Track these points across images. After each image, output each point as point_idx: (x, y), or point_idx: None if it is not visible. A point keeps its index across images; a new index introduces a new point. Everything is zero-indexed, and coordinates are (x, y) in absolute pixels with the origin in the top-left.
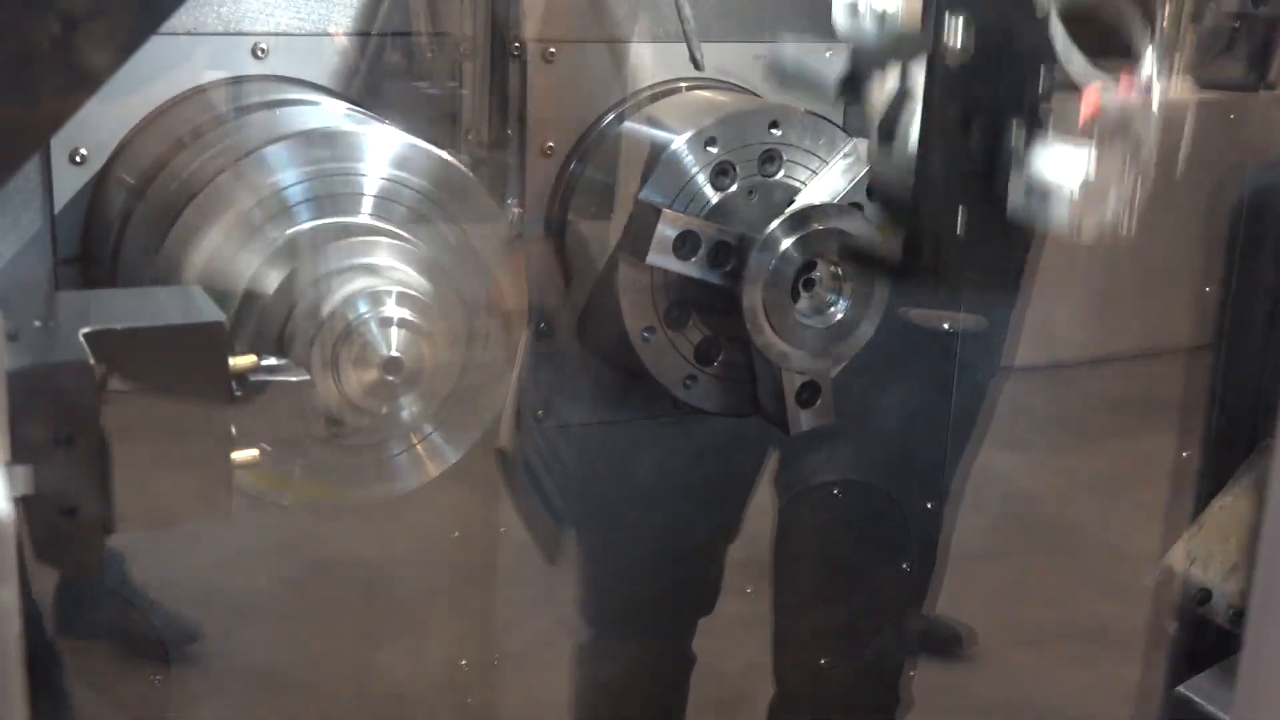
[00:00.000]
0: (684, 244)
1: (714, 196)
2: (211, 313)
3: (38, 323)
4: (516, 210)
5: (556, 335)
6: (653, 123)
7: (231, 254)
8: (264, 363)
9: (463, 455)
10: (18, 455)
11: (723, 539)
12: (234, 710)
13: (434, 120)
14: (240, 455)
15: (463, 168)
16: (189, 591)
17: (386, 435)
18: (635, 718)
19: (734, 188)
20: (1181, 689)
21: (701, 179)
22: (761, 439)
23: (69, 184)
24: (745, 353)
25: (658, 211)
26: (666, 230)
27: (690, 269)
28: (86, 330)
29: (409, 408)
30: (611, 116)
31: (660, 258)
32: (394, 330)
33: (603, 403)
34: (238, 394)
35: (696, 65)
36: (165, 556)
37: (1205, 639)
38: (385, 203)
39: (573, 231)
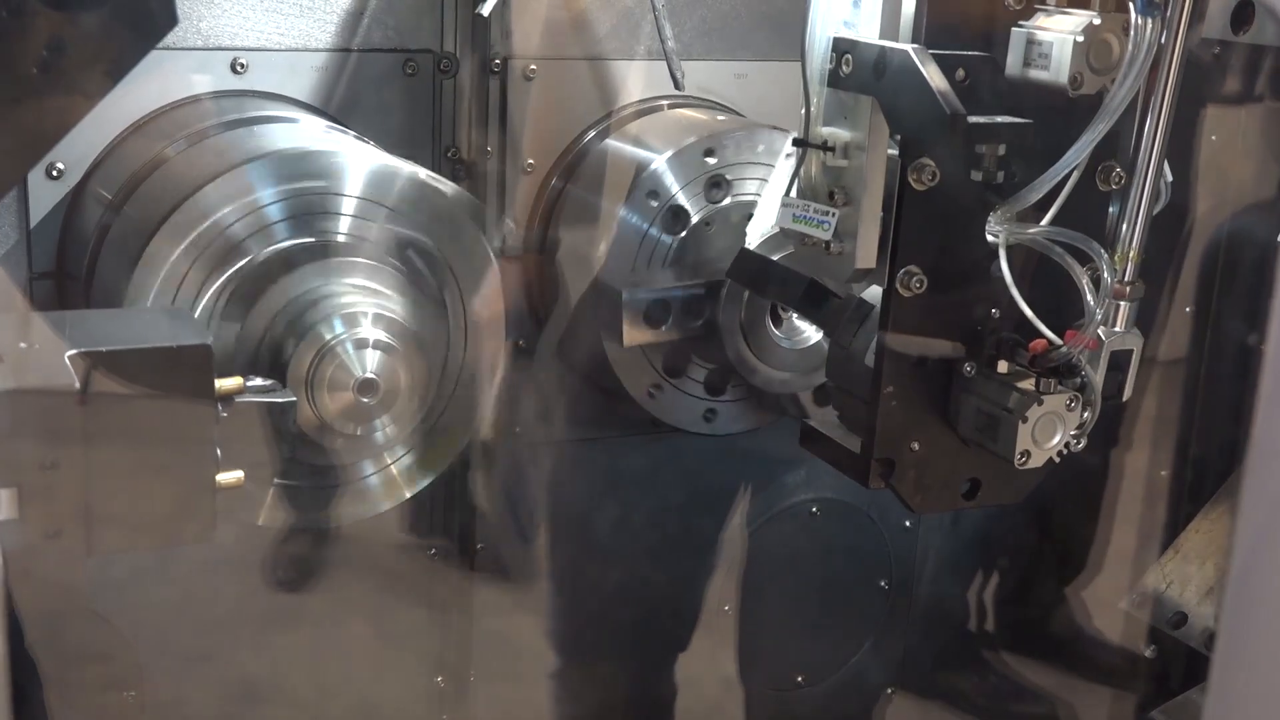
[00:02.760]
0: (655, 314)
1: (672, 242)
2: (198, 335)
3: (23, 344)
4: (511, 226)
5: (536, 352)
6: (628, 146)
7: (205, 273)
8: (250, 384)
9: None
10: (3, 477)
11: (701, 556)
12: None
13: (414, 137)
14: (225, 477)
15: (440, 187)
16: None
17: (359, 456)
18: None
19: (689, 226)
20: (1156, 713)
21: (655, 232)
22: (743, 457)
23: (46, 199)
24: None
25: (618, 294)
26: (633, 311)
27: (668, 334)
28: (73, 352)
29: (384, 428)
30: (592, 134)
31: (636, 337)
32: (369, 351)
33: (582, 420)
34: (223, 415)
35: (676, 84)
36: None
37: (1179, 663)
38: (361, 223)
39: (553, 248)
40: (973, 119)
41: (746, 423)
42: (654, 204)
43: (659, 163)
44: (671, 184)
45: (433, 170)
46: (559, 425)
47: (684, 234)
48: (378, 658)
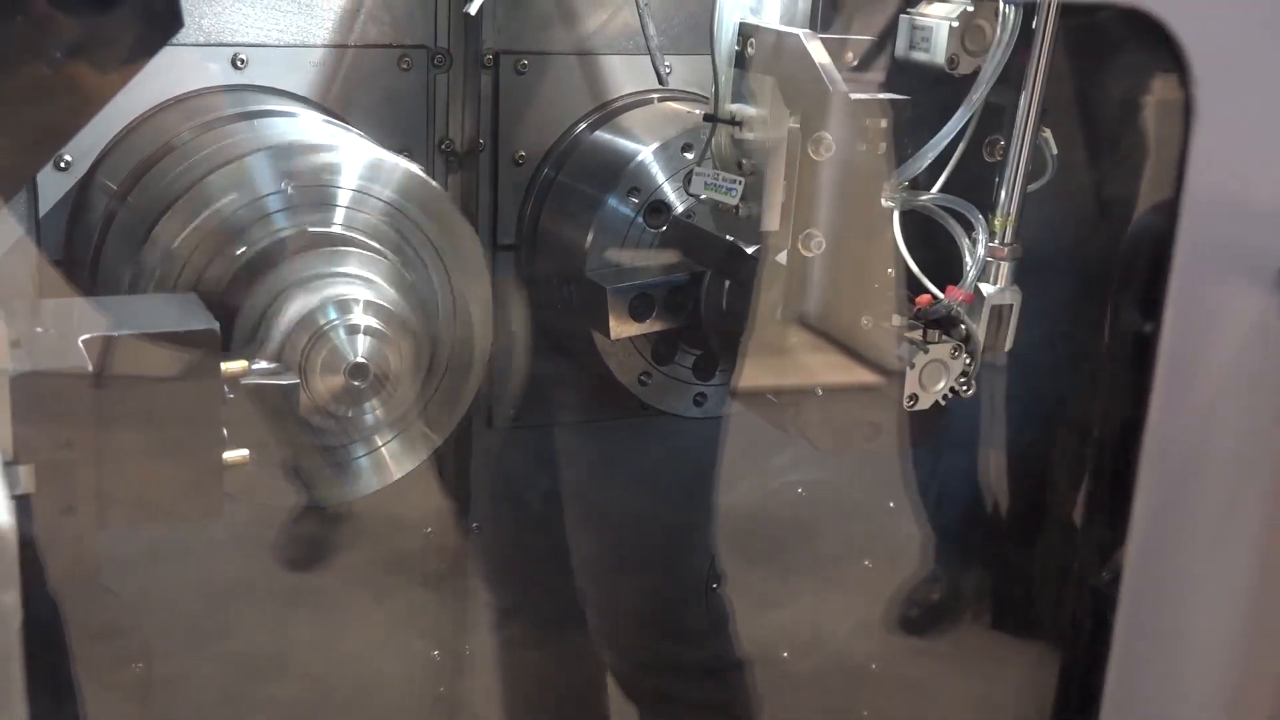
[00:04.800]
0: (640, 307)
1: (655, 238)
2: (205, 320)
3: (39, 329)
4: None
5: (529, 339)
6: (613, 138)
7: (206, 259)
8: (255, 366)
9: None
10: (20, 456)
11: (690, 535)
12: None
13: (409, 130)
14: (231, 455)
15: (431, 180)
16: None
17: (351, 438)
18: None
19: (671, 219)
20: None
21: (639, 225)
22: (730, 439)
23: (54, 189)
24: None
25: (603, 290)
26: (618, 305)
27: (653, 326)
28: (86, 337)
29: (374, 411)
30: (583, 126)
31: (622, 330)
32: (360, 337)
33: (575, 405)
34: (229, 397)
35: (660, 79)
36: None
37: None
38: (354, 214)
39: (543, 236)
40: (855, 96)
41: (734, 406)
42: (636, 200)
43: (643, 156)
44: (653, 178)
45: (427, 161)
46: (553, 410)
47: (666, 227)
48: (379, 633)
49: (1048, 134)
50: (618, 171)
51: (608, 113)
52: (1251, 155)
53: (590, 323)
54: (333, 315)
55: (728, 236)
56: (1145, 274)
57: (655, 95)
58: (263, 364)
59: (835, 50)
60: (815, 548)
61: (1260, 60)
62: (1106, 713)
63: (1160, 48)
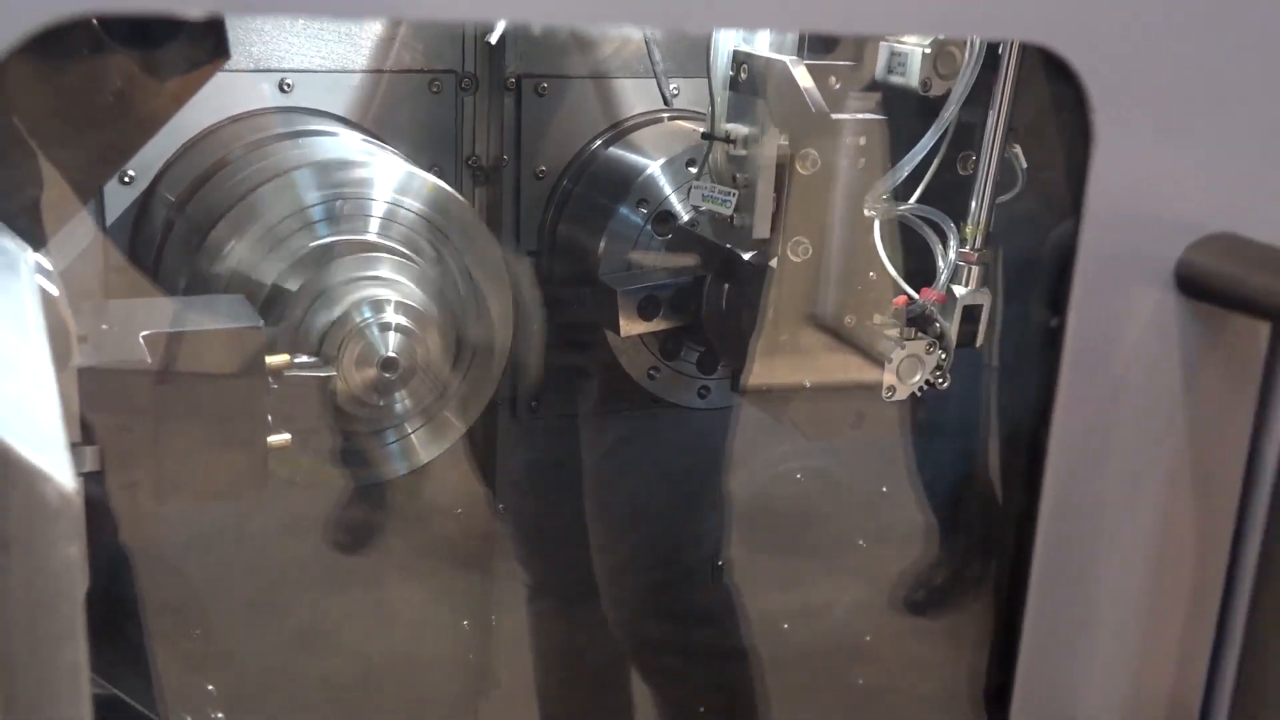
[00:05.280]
0: (648, 307)
1: (662, 245)
2: (252, 319)
3: (104, 327)
4: None
5: (544, 335)
6: (625, 154)
7: (255, 264)
8: (296, 360)
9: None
10: (87, 438)
11: (696, 517)
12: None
13: (440, 147)
14: (274, 440)
15: (456, 193)
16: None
17: (383, 425)
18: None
19: (677, 228)
20: None
21: (647, 233)
22: (732, 429)
23: (119, 201)
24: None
25: (614, 292)
26: (627, 309)
27: (659, 324)
28: (145, 334)
29: (403, 400)
30: (598, 143)
31: (631, 328)
32: (391, 334)
33: (590, 397)
34: (273, 387)
35: (665, 101)
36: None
37: None
38: (388, 224)
39: (561, 243)
40: (836, 116)
41: (737, 397)
42: (644, 210)
43: (651, 170)
44: (661, 190)
45: (456, 176)
46: (569, 402)
47: (672, 235)
48: (412, 605)
49: (1018, 149)
50: (628, 184)
51: (620, 131)
52: (1144, 173)
53: (603, 321)
54: (367, 314)
55: (726, 244)
56: (1057, 277)
57: (665, 115)
58: (303, 358)
59: (819, 75)
60: (811, 527)
61: (1149, 92)
62: (1019, 686)
63: (1065, 82)
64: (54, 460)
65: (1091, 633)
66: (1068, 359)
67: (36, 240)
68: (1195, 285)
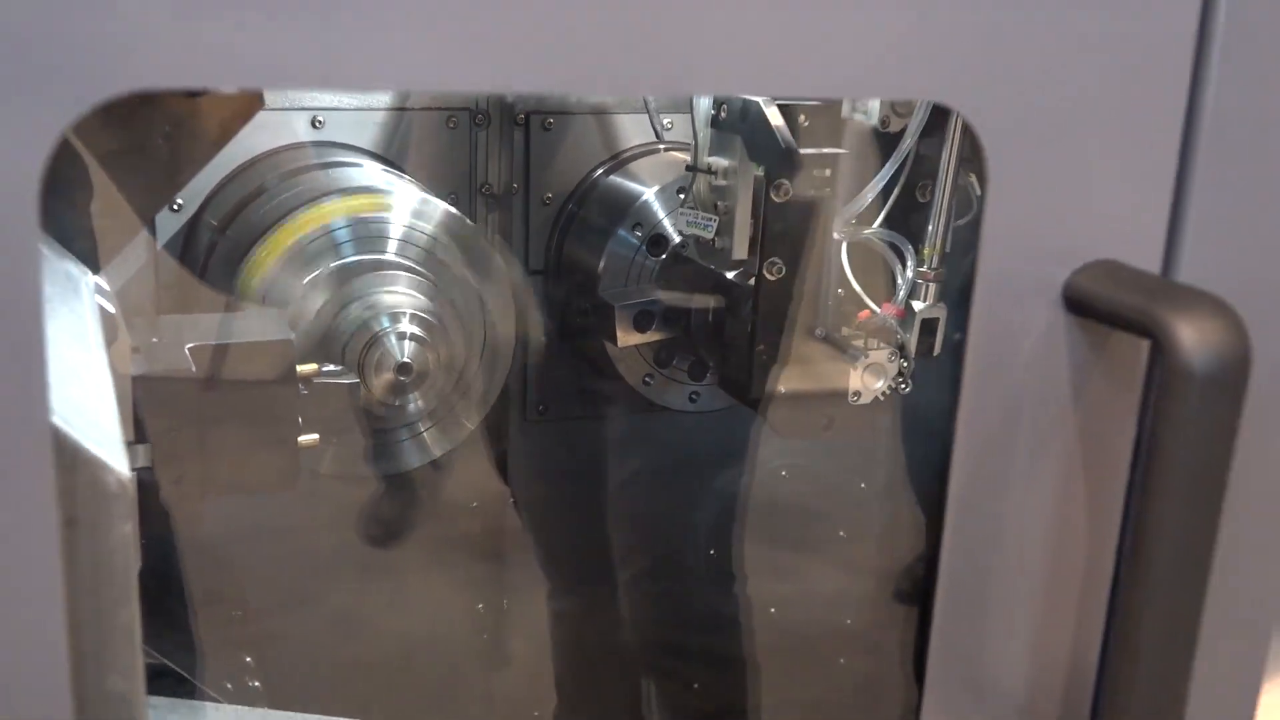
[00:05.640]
0: (642, 321)
1: (656, 265)
2: (284, 332)
3: (155, 339)
4: None
5: (554, 347)
6: (623, 182)
7: (288, 281)
8: (324, 369)
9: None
10: (140, 437)
11: (688, 510)
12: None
13: (456, 176)
14: (304, 438)
15: (465, 218)
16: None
17: (398, 424)
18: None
19: (669, 249)
20: None
21: (640, 258)
22: (723, 430)
23: (168, 226)
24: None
25: (612, 307)
26: (623, 322)
27: (653, 336)
28: (191, 345)
29: (416, 401)
30: (599, 172)
31: (627, 340)
32: (407, 342)
33: (591, 401)
34: (303, 392)
35: (659, 135)
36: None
37: None
38: (405, 245)
39: (565, 262)
40: (803, 150)
41: (725, 402)
42: (640, 233)
43: (646, 196)
44: (654, 215)
45: (470, 202)
46: (572, 406)
47: (664, 256)
48: (431, 588)
49: (973, 178)
50: (625, 209)
51: (618, 161)
52: (1033, 209)
53: (602, 334)
54: (385, 324)
55: (711, 265)
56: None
57: (660, 146)
58: (330, 366)
59: (790, 114)
60: (795, 520)
61: (1035, 141)
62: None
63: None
64: (113, 454)
65: (995, 607)
66: (969, 369)
67: (96, 264)
68: (1080, 305)
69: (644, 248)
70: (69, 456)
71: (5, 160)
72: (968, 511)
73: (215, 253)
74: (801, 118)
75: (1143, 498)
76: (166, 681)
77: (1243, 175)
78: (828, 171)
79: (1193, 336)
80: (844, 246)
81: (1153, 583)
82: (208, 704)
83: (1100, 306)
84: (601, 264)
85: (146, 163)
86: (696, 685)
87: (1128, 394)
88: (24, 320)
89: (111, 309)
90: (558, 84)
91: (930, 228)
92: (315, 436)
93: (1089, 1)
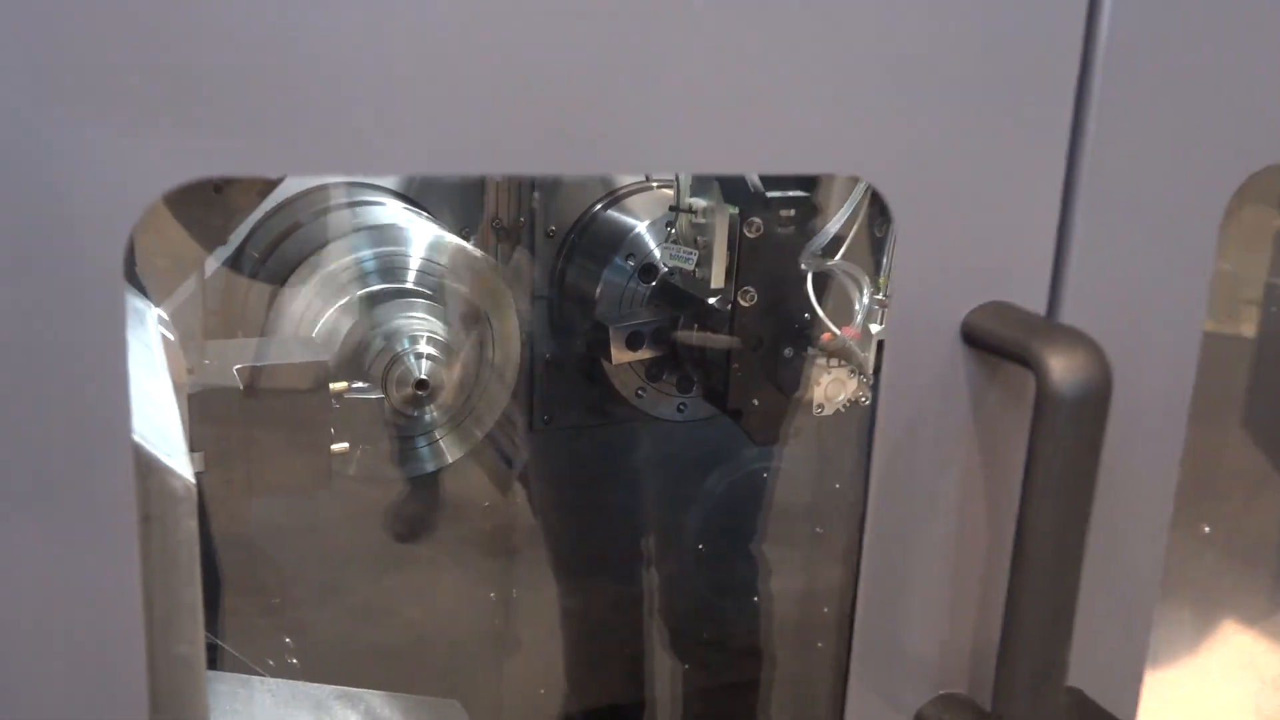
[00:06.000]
0: (635, 341)
1: (646, 291)
2: (318, 354)
3: (206, 361)
4: None
5: (554, 363)
6: (618, 216)
7: (319, 307)
8: (353, 386)
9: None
10: (195, 446)
11: (679, 508)
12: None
13: (470, 212)
14: (337, 446)
15: (476, 251)
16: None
17: (417, 432)
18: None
19: (658, 277)
20: None
21: (633, 284)
22: (709, 437)
23: (215, 259)
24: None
25: (608, 328)
26: (618, 341)
27: (644, 354)
28: (238, 366)
29: (432, 413)
30: (598, 207)
31: (621, 357)
32: (424, 361)
33: (590, 412)
34: (335, 406)
35: (648, 176)
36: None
37: None
38: (422, 275)
39: (568, 288)
40: (770, 194)
41: (709, 412)
42: (632, 262)
43: (638, 229)
44: (646, 246)
45: (482, 235)
46: (574, 416)
47: (654, 283)
48: (447, 579)
49: None
50: (619, 241)
51: (615, 197)
52: (935, 258)
53: (599, 352)
54: (405, 346)
55: (692, 292)
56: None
57: (653, 184)
58: (359, 384)
59: None
60: (775, 516)
61: (932, 202)
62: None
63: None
64: (179, 463)
65: (909, 591)
66: (883, 393)
67: (157, 297)
68: (975, 339)
69: (636, 275)
70: (145, 466)
71: (100, 222)
72: (884, 512)
73: (256, 281)
74: None
75: (1024, 502)
76: (214, 656)
77: (1115, 230)
78: (793, 211)
79: (1061, 367)
80: (809, 276)
81: (1036, 571)
82: (253, 677)
83: (990, 341)
84: (599, 290)
85: (205, 209)
86: (687, 666)
87: (1017, 415)
88: (111, 356)
89: (171, 337)
90: (517, 169)
91: (885, 260)
92: (346, 445)
93: (974, 85)
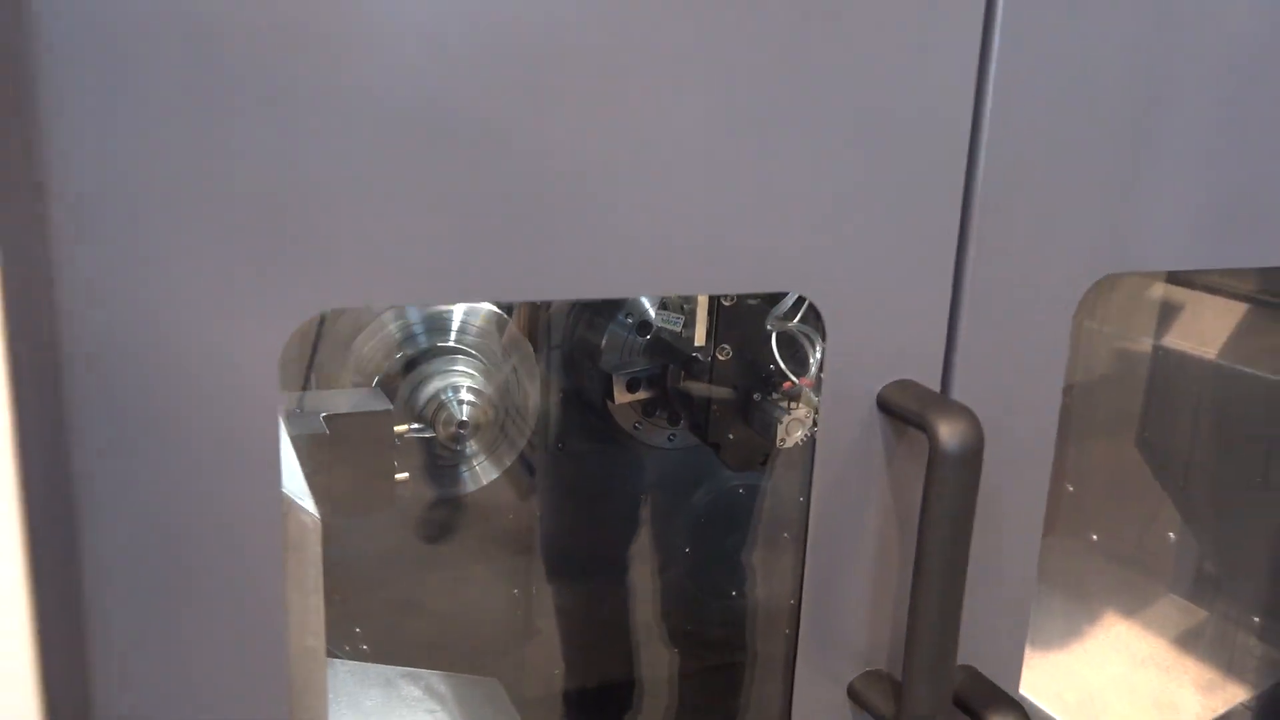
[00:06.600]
0: (633, 385)
1: (642, 343)
2: (384, 404)
3: (297, 410)
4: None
5: (567, 401)
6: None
7: (379, 362)
8: (411, 427)
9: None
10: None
11: (669, 519)
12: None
13: None
14: (399, 475)
15: (505, 313)
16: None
17: (459, 460)
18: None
19: (651, 332)
20: None
21: (631, 338)
22: (694, 461)
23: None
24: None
25: (610, 375)
26: (619, 385)
27: (640, 396)
28: (324, 414)
29: (470, 444)
30: None
31: (622, 399)
32: (465, 405)
33: (596, 440)
34: (398, 443)
35: None
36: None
37: None
38: (461, 334)
39: (578, 341)
40: None
41: (694, 442)
42: (630, 320)
43: (635, 300)
44: (640, 308)
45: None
46: (584, 443)
47: (648, 337)
48: (478, 578)
49: None
50: (620, 303)
51: None
52: (859, 344)
53: (604, 393)
54: (450, 394)
55: (679, 348)
56: None
57: None
58: (415, 425)
59: None
60: (751, 526)
61: (852, 306)
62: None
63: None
64: (307, 502)
65: (841, 590)
66: (819, 447)
67: None
68: (887, 408)
69: (634, 331)
70: (285, 506)
71: (260, 340)
72: (821, 533)
73: (324, 341)
74: None
75: (922, 528)
76: None
77: (992, 324)
78: None
79: (947, 433)
80: (774, 336)
81: (931, 579)
82: (334, 659)
83: (897, 410)
84: (604, 342)
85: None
86: (677, 649)
87: (917, 465)
88: (270, 437)
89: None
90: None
91: None
92: (406, 475)
93: (881, 219)
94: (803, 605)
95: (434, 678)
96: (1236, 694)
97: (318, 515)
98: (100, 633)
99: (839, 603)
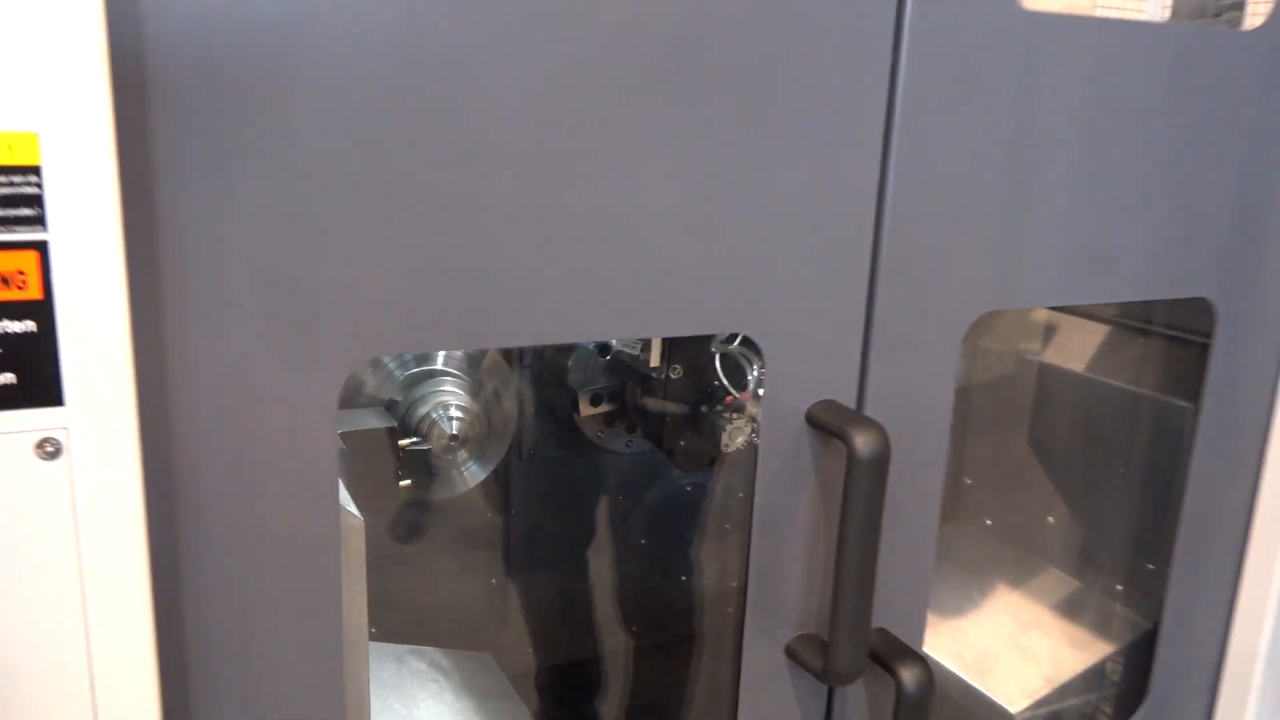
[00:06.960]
0: (596, 399)
1: (604, 363)
2: (386, 421)
3: None
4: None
5: (539, 413)
6: None
7: (379, 386)
8: (410, 441)
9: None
10: None
11: (626, 517)
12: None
13: None
14: (401, 483)
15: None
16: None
17: (447, 468)
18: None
19: (611, 353)
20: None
21: (594, 359)
22: (649, 464)
23: None
24: (647, 420)
25: (576, 390)
26: (584, 399)
27: (602, 409)
28: (339, 432)
29: (459, 453)
30: None
31: (587, 411)
32: (454, 421)
33: (564, 446)
34: (400, 456)
35: None
36: None
37: None
38: (449, 357)
39: (548, 361)
40: None
41: (649, 448)
42: (593, 343)
43: None
44: None
45: None
46: (552, 449)
47: (609, 357)
48: (457, 572)
49: None
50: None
51: None
52: (791, 374)
53: (570, 407)
54: (440, 411)
55: (636, 368)
56: None
57: None
58: (414, 439)
59: None
60: (700, 518)
61: (785, 341)
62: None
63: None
64: (351, 506)
65: (782, 571)
66: (761, 455)
67: None
68: (814, 422)
69: (596, 352)
70: (344, 514)
71: (319, 388)
72: (763, 523)
73: None
74: None
75: (843, 518)
76: None
77: (895, 354)
78: None
79: (861, 442)
80: (718, 357)
81: (850, 558)
82: None
83: (822, 424)
84: (570, 362)
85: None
86: (635, 628)
87: (839, 468)
88: (329, 454)
89: None
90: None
91: None
92: (407, 481)
93: (806, 268)
94: (749, 582)
95: (435, 653)
96: (1105, 649)
97: (361, 518)
98: (197, 626)
99: (778, 579)
